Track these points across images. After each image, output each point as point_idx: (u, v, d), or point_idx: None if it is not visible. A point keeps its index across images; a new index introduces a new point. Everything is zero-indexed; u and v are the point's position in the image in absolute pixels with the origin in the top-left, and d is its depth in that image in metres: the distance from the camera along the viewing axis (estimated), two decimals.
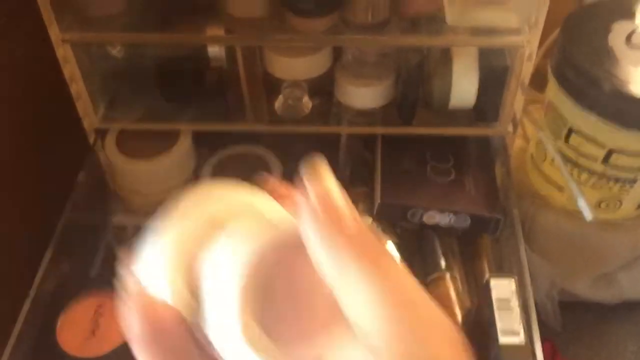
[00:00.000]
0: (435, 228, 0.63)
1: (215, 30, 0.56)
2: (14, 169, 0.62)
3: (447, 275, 0.60)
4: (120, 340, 0.50)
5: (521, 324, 0.50)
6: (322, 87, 0.62)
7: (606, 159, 0.63)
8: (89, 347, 0.51)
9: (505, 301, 0.51)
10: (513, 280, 0.53)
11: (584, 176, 0.65)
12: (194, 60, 0.59)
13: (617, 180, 0.64)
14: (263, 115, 0.63)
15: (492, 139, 0.68)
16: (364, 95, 0.62)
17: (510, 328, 0.50)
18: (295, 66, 0.59)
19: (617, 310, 0.75)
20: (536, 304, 0.55)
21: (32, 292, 0.53)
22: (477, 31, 0.57)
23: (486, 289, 0.53)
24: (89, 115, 0.63)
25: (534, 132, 0.71)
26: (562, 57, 0.61)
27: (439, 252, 0.62)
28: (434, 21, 0.57)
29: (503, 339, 0.50)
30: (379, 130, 0.65)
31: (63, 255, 0.58)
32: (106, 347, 0.51)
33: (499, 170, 0.67)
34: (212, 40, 0.57)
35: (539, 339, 0.52)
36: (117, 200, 0.66)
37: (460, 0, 0.55)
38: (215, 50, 0.58)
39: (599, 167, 0.64)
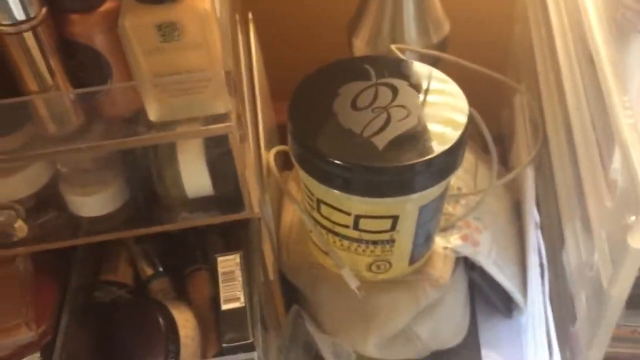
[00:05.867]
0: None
1: None
2: None
3: None
4: None
5: (242, 291, 0.56)
6: (49, 201, 0.59)
7: (356, 225, 0.61)
8: None
9: (229, 274, 0.58)
10: (238, 254, 0.60)
11: (345, 243, 0.64)
12: None
13: (374, 243, 0.63)
14: None
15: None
16: (92, 204, 0.59)
17: (232, 296, 0.56)
18: (3, 187, 0.55)
19: None
20: None
21: None
22: (183, 123, 0.55)
23: (214, 268, 0.59)
24: None
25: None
26: (292, 136, 0.59)
27: None
28: (141, 118, 0.55)
29: (225, 306, 0.56)
30: (122, 234, 0.61)
31: None
32: None
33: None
34: None
35: (259, 303, 0.58)
36: None
37: (153, 95, 0.53)
38: None
39: (352, 233, 0.63)
